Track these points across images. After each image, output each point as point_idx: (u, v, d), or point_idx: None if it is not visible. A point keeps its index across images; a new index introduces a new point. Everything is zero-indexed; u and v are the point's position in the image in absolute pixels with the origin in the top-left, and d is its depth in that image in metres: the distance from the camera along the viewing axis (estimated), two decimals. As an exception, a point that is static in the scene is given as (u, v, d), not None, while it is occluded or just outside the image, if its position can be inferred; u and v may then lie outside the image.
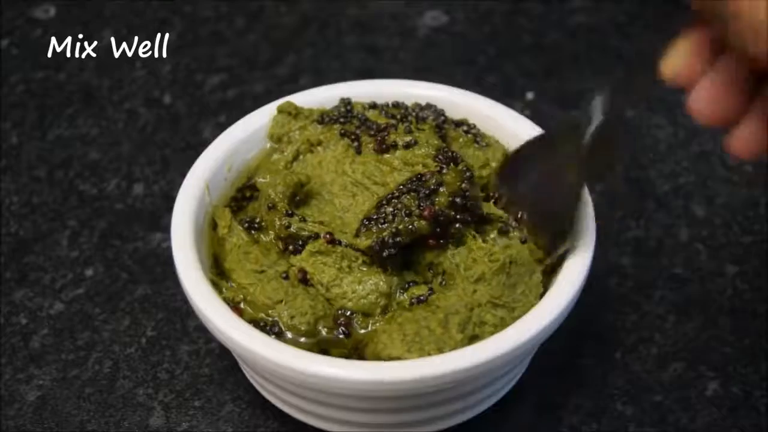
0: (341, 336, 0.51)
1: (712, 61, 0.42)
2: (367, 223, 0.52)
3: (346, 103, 0.59)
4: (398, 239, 0.51)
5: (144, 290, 0.61)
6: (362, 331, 0.51)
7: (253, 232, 0.54)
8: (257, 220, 0.54)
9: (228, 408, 0.56)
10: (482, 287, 0.50)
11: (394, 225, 0.51)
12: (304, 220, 0.54)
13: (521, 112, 0.72)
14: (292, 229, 0.53)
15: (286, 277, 0.52)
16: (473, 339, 0.49)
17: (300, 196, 0.55)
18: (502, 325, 0.49)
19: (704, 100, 0.42)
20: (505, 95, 0.74)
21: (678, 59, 0.43)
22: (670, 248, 0.64)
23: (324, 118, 0.58)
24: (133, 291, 0.61)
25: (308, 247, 0.52)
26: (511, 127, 0.58)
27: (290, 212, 0.54)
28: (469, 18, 0.82)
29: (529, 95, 0.75)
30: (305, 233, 0.53)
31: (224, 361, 0.57)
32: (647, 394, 0.56)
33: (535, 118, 0.74)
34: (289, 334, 0.50)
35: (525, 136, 0.57)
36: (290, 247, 0.53)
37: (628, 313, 0.60)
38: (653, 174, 0.68)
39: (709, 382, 0.56)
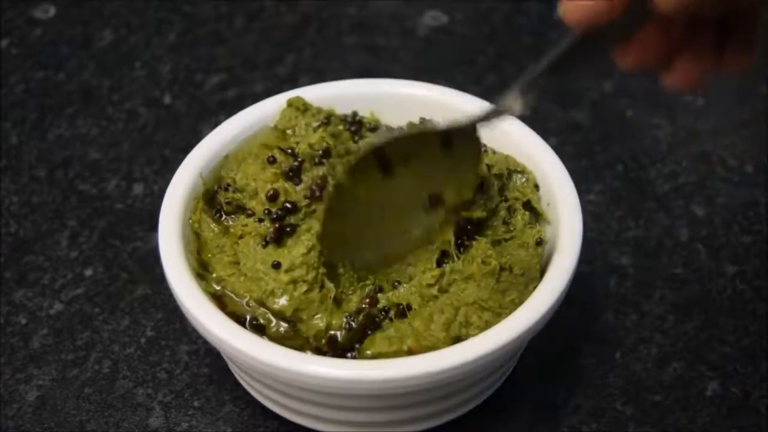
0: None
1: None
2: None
3: (354, 114, 0.59)
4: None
5: (144, 290, 0.61)
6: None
7: (222, 218, 0.54)
8: (224, 203, 0.55)
9: (228, 408, 0.56)
10: (471, 287, 0.50)
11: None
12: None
13: (521, 112, 0.73)
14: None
15: None
16: (456, 340, 0.48)
17: None
18: (486, 328, 0.48)
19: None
20: (505, 95, 0.74)
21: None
22: (670, 248, 0.64)
23: (331, 119, 0.58)
24: (132, 291, 0.61)
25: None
26: (513, 136, 0.58)
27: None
28: (469, 18, 0.82)
29: (529, 95, 0.75)
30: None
31: (224, 361, 0.56)
32: (647, 394, 0.56)
33: (535, 118, 0.74)
34: (270, 331, 0.50)
35: (523, 143, 0.57)
36: None
37: (628, 313, 0.60)
38: (653, 174, 0.68)
39: (709, 382, 0.56)
